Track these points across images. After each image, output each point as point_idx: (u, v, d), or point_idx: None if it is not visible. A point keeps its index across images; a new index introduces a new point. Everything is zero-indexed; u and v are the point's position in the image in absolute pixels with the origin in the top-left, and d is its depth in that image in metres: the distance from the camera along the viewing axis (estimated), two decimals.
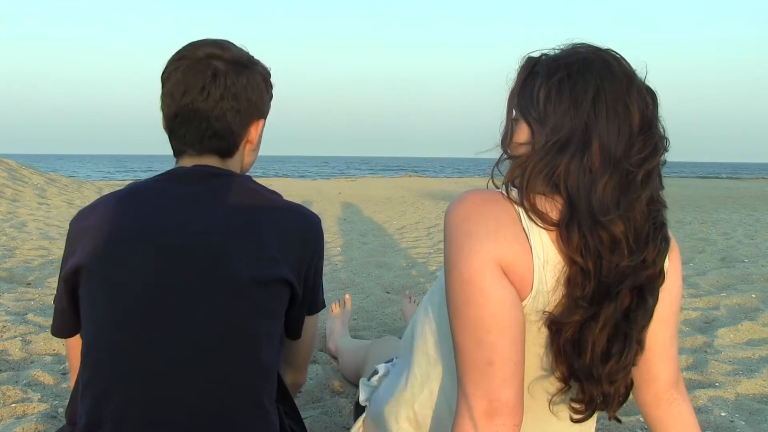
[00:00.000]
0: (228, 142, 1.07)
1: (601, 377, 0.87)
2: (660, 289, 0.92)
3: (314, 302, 1.16)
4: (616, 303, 0.85)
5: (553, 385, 0.93)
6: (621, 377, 0.90)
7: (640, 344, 0.91)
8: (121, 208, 1.01)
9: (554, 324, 0.87)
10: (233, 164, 1.11)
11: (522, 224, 0.85)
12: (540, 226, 0.85)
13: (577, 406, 0.92)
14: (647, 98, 0.88)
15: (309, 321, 1.19)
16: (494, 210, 0.86)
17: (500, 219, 0.85)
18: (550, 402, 0.95)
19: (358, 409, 1.33)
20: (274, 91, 1.16)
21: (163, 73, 1.07)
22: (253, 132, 1.11)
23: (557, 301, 0.87)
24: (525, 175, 0.86)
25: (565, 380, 0.90)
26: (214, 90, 1.03)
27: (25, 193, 8.40)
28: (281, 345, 1.09)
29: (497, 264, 0.84)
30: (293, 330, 1.15)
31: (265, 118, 1.13)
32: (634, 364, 0.92)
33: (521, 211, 0.86)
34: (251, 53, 1.12)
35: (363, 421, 1.25)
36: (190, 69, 1.04)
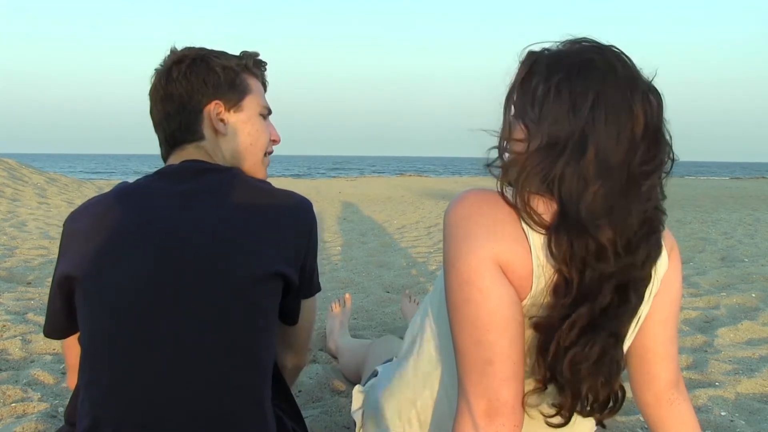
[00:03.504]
0: (187, 130, 1.13)
1: (562, 370, 0.84)
2: (648, 290, 0.90)
3: (310, 286, 1.16)
4: (592, 303, 0.83)
5: (529, 385, 0.90)
6: (586, 373, 0.85)
7: (617, 338, 0.87)
8: (114, 210, 1.01)
9: (536, 326, 0.86)
10: (215, 154, 1.14)
11: (522, 224, 0.85)
12: (533, 229, 0.84)
13: (558, 411, 0.89)
14: (652, 101, 0.85)
15: (307, 303, 1.19)
16: (493, 210, 0.86)
17: (499, 219, 0.85)
18: (524, 403, 0.89)
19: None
20: (253, 80, 1.21)
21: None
22: (210, 114, 1.13)
23: (546, 304, 0.86)
24: (520, 177, 0.84)
25: (544, 383, 0.88)
26: (159, 91, 1.14)
27: (25, 193, 8.39)
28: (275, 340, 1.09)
29: (496, 263, 0.83)
30: (292, 316, 1.16)
31: (223, 99, 1.14)
32: (604, 356, 0.86)
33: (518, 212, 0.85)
34: (216, 50, 1.19)
35: (362, 421, 1.25)
36: (152, 83, 1.17)
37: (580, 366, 0.85)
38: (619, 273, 0.83)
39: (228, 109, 1.15)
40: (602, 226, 0.81)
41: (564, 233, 0.82)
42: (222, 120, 1.14)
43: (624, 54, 0.87)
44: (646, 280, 0.88)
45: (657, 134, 0.85)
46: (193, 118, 1.12)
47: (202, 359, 0.95)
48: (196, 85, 1.12)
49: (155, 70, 1.16)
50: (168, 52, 1.16)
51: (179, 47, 1.17)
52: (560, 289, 0.84)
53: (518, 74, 0.91)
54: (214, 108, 1.13)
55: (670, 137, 0.86)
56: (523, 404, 0.89)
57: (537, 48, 0.91)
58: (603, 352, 0.86)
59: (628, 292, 0.85)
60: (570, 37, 0.90)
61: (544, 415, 0.90)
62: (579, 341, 0.84)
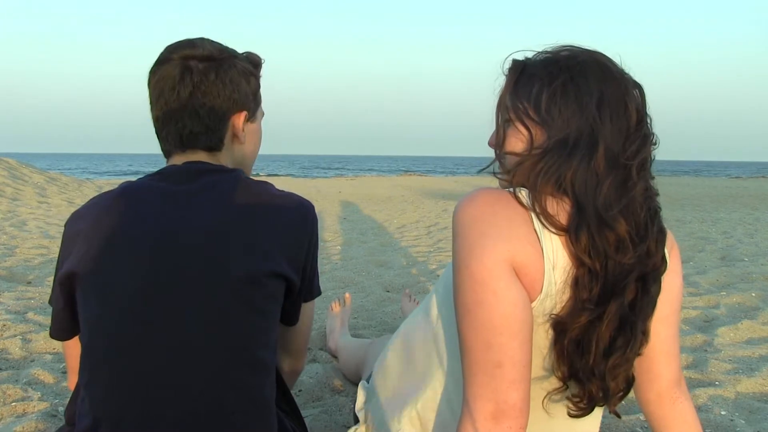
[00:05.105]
0: (209, 138, 1.08)
1: (603, 373, 0.88)
2: (662, 278, 0.92)
3: (310, 290, 1.16)
4: (621, 298, 0.86)
5: (552, 384, 0.93)
6: (623, 371, 0.90)
7: (645, 335, 0.91)
8: (114, 210, 1.01)
9: (559, 325, 0.87)
10: (223, 158, 1.11)
11: (534, 225, 0.85)
12: (551, 231, 0.85)
13: (576, 403, 0.92)
14: (638, 95, 0.90)
15: (306, 307, 1.19)
16: (506, 210, 0.86)
17: (513, 219, 0.85)
18: (548, 400, 0.95)
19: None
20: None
21: (147, 80, 1.10)
22: (235, 125, 1.11)
23: (564, 303, 0.87)
24: (537, 180, 0.86)
25: (564, 380, 0.91)
26: (182, 89, 1.05)
27: (25, 192, 8.40)
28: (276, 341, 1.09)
29: (510, 265, 0.83)
30: (290, 317, 1.15)
31: (248, 110, 1.12)
32: (639, 355, 0.92)
33: (533, 213, 0.86)
34: (229, 47, 1.13)
35: (364, 422, 1.25)
36: (164, 72, 1.06)
37: (622, 368, 0.89)
38: (639, 264, 0.86)
39: (247, 120, 1.13)
40: (617, 217, 0.84)
41: (584, 230, 0.83)
42: (243, 130, 1.12)
43: (608, 56, 0.93)
44: (662, 267, 0.91)
45: (643, 123, 0.90)
46: (220, 126, 1.08)
47: (201, 358, 0.95)
48: (228, 92, 1.07)
49: (178, 57, 1.06)
50: (188, 43, 1.08)
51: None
52: (583, 282, 0.85)
53: (509, 80, 0.95)
54: (240, 119, 1.11)
55: (650, 120, 0.91)
56: (547, 401, 0.95)
57: (519, 56, 0.96)
58: (639, 351, 0.91)
59: (648, 281, 0.88)
60: (550, 46, 0.95)
61: (569, 408, 0.93)
62: (617, 343, 0.87)
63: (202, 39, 1.10)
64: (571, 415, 0.93)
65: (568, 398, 0.93)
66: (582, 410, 0.92)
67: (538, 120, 0.89)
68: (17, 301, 2.84)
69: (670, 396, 1.02)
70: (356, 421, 1.29)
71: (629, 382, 0.94)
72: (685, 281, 3.50)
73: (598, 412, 1.02)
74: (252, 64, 1.15)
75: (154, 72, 1.08)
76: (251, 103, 1.13)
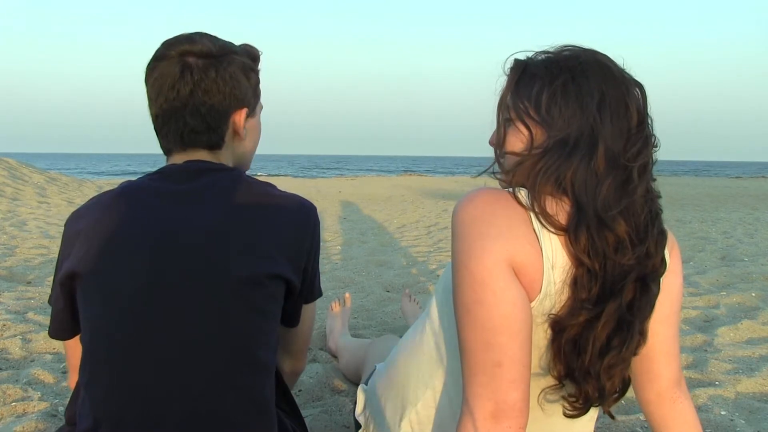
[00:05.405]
0: (210, 136, 1.07)
1: (599, 372, 0.88)
2: (662, 279, 0.92)
3: (311, 291, 1.15)
4: (620, 298, 0.86)
5: (548, 382, 0.93)
6: (618, 371, 0.90)
7: (643, 335, 0.91)
8: (114, 210, 1.00)
9: (557, 324, 0.87)
10: (224, 157, 1.10)
11: (533, 225, 0.86)
12: (551, 231, 0.85)
13: (572, 403, 0.92)
14: (639, 94, 0.90)
15: (307, 308, 1.18)
16: (506, 210, 0.86)
17: (512, 219, 0.85)
18: (544, 399, 0.95)
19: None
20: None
21: (144, 77, 1.07)
22: (236, 123, 1.09)
23: (563, 303, 0.87)
24: (537, 179, 0.86)
25: (560, 379, 0.91)
26: (183, 87, 1.03)
27: (25, 192, 8.40)
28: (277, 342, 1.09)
29: (509, 264, 0.83)
30: (291, 318, 1.15)
31: (248, 106, 1.11)
32: (635, 354, 0.92)
33: (532, 213, 0.86)
34: (227, 40, 1.10)
35: (365, 425, 1.25)
36: (163, 69, 1.04)
37: (617, 368, 0.89)
38: (638, 265, 0.86)
39: (248, 116, 1.12)
40: (617, 218, 0.84)
41: (583, 230, 0.84)
42: (244, 127, 1.11)
43: (609, 56, 0.93)
44: (661, 268, 0.91)
45: (644, 123, 0.90)
46: (221, 124, 1.07)
47: (201, 359, 0.95)
48: (229, 89, 1.06)
49: (176, 54, 1.03)
50: (185, 39, 1.05)
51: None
52: (582, 281, 0.85)
53: (510, 79, 0.95)
54: (241, 116, 1.09)
55: (652, 122, 0.91)
56: (543, 401, 0.95)
57: (521, 56, 0.96)
58: (635, 351, 0.91)
59: (648, 282, 0.88)
60: (552, 46, 0.95)
61: (565, 408, 0.93)
62: (613, 343, 0.87)
63: (199, 34, 1.08)
64: (566, 415, 0.94)
65: (564, 398, 0.93)
66: (578, 410, 0.92)
67: (538, 120, 0.89)
68: (17, 301, 2.84)
69: (670, 396, 1.02)
70: (356, 423, 1.29)
71: (625, 383, 0.94)
72: (685, 281, 3.50)
73: (593, 412, 1.02)
74: (250, 58, 1.13)
75: (152, 69, 1.05)
76: (251, 99, 1.12)
